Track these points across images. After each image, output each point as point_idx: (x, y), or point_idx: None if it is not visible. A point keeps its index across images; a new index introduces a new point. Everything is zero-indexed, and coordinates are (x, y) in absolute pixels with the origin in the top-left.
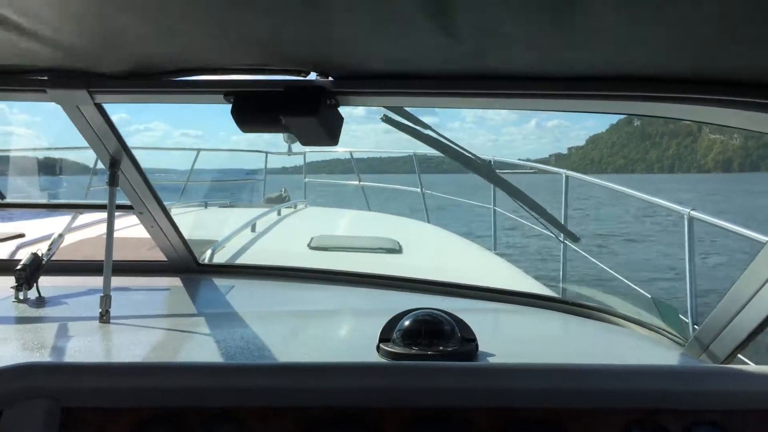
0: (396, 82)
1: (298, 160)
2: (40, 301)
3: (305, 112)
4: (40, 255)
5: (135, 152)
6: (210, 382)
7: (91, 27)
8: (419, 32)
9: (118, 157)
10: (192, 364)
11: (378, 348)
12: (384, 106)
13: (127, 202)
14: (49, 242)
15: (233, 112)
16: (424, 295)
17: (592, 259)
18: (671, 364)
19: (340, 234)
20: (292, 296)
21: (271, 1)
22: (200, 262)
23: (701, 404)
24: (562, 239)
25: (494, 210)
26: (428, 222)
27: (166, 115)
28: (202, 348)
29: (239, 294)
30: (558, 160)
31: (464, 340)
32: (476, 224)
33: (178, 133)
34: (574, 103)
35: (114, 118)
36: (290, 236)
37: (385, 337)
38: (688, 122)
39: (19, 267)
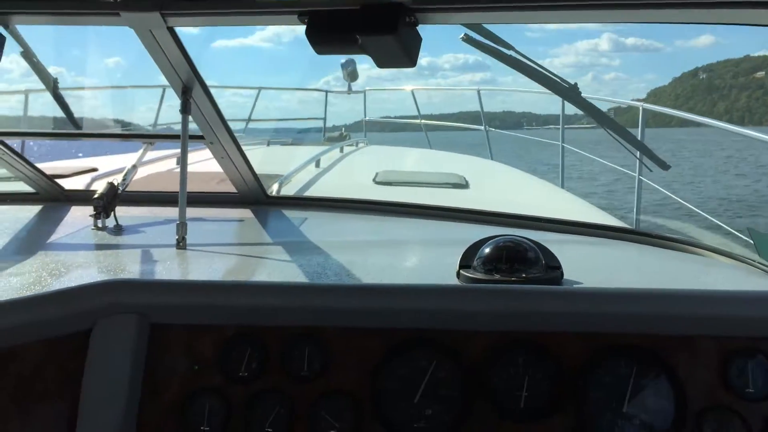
0: None
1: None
2: (118, 229)
3: (383, 30)
4: (115, 184)
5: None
6: (293, 301)
7: None
8: None
9: (190, 84)
10: (277, 283)
11: (458, 275)
12: (464, 24)
13: (198, 132)
14: (122, 174)
15: (308, 33)
16: (496, 227)
17: (675, 197)
18: None
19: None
20: (364, 227)
21: None
22: (269, 194)
23: None
24: (647, 167)
25: (562, 147)
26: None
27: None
28: (280, 272)
29: (311, 224)
30: (617, 114)
31: (548, 268)
32: (540, 166)
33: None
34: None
35: None
36: (355, 172)
37: (465, 263)
38: (759, 76)
39: (96, 196)
